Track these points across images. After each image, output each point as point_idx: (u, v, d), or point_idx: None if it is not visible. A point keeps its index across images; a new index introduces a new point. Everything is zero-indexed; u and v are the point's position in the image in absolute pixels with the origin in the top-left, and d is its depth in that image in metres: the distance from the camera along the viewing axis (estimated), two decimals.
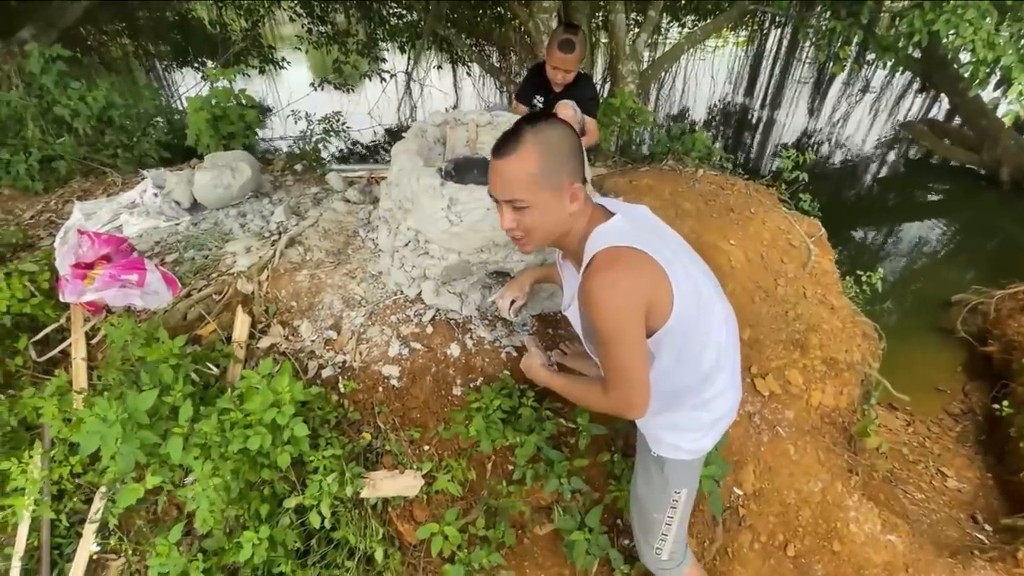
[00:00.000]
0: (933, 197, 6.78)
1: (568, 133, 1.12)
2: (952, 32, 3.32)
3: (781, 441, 1.89)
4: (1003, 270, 4.37)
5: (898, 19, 3.50)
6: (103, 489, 1.80)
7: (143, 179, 2.80)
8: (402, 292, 2.08)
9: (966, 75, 3.47)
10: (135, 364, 1.75)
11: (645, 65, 4.97)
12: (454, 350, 1.89)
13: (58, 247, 2.08)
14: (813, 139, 7.83)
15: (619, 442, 1.74)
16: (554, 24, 4.04)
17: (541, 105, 2.68)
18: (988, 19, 3.16)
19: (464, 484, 1.67)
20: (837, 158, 7.59)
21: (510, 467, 1.73)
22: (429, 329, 1.95)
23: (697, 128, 3.13)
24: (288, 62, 8.53)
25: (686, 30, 6.87)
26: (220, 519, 1.51)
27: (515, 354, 1.89)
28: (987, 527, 2.21)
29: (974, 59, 3.31)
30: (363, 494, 1.65)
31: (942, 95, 7.00)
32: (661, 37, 7.06)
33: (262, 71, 8.00)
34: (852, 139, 7.87)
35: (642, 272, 1.09)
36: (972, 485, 2.56)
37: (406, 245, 1.98)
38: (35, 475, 1.76)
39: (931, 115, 7.72)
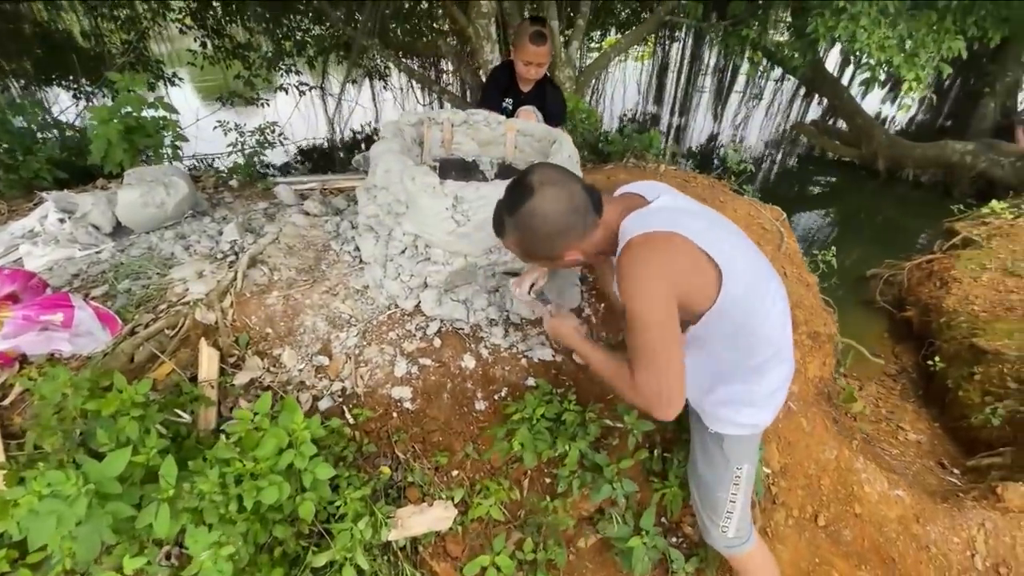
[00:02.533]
0: (824, 188, 7.63)
1: (552, 207, 1.07)
2: (849, 37, 3.74)
3: (794, 415, 1.94)
4: (891, 246, 5.04)
5: (807, 24, 3.87)
6: None
7: (40, 203, 2.33)
8: (396, 305, 1.88)
9: (865, 75, 3.92)
10: (78, 422, 1.40)
11: (577, 72, 5.10)
12: (468, 362, 1.73)
13: None
14: (719, 140, 8.54)
15: (656, 436, 1.67)
16: (493, 30, 4.01)
17: (511, 107, 2.60)
18: (880, 25, 3.60)
19: (506, 505, 1.51)
20: (740, 157, 8.34)
21: (547, 480, 1.60)
22: (437, 342, 1.77)
23: (651, 129, 3.22)
24: (180, 78, 7.75)
25: (609, 39, 7.21)
26: None
27: (536, 359, 1.77)
28: (955, 471, 2.43)
29: (870, 60, 3.76)
30: (391, 536, 1.43)
31: (824, 99, 7.93)
32: (588, 47, 7.34)
33: (152, 88, 7.17)
34: (751, 140, 8.68)
35: (677, 254, 1.06)
36: (927, 436, 2.83)
37: (402, 252, 1.80)
38: None
39: (813, 117, 8.73)
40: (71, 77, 6.72)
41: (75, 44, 7.05)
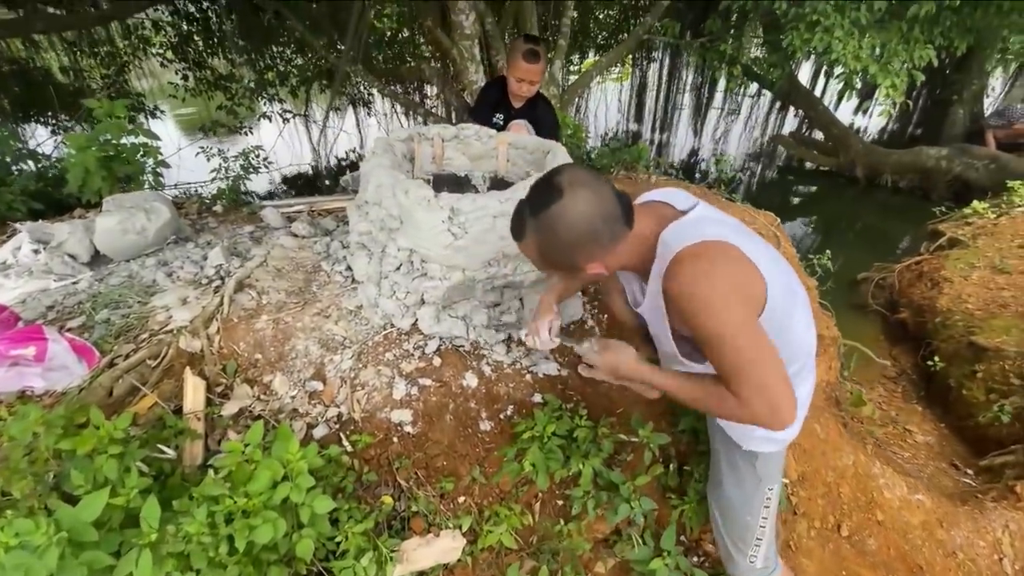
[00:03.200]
0: (805, 197, 7.76)
1: (582, 211, 0.94)
2: (824, 48, 3.84)
3: (807, 421, 1.88)
4: (876, 249, 5.11)
5: (782, 38, 3.97)
6: None
7: (13, 234, 2.22)
8: (392, 325, 1.81)
9: (840, 84, 4.01)
10: (51, 463, 1.28)
11: (561, 90, 5.16)
12: (471, 380, 1.65)
13: None
14: (700, 155, 8.69)
15: (671, 449, 1.60)
16: (476, 51, 4.04)
17: (501, 123, 2.58)
18: (854, 36, 3.70)
19: (517, 531, 1.41)
20: (723, 171, 8.49)
21: (560, 501, 1.51)
22: (436, 361, 1.69)
23: (641, 142, 3.23)
24: (162, 111, 7.70)
25: (589, 59, 7.36)
26: None
27: (541, 375, 1.69)
28: (968, 471, 2.39)
29: (846, 70, 3.85)
30: (396, 572, 1.33)
31: (799, 111, 8.13)
32: (568, 70, 7.47)
33: (132, 120, 7.09)
34: (731, 153, 8.85)
35: (739, 263, 0.97)
36: (935, 436, 2.79)
37: (397, 269, 1.73)
38: None
39: (789, 129, 8.95)
40: (49, 113, 6.64)
41: (53, 80, 6.99)
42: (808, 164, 7.84)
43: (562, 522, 1.45)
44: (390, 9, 6.68)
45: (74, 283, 1.98)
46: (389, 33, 7.00)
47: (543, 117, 2.56)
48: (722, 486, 1.30)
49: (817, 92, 7.91)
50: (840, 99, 3.98)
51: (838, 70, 4.03)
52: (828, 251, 2.84)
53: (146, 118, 7.07)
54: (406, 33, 6.91)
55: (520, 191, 1.63)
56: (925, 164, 6.46)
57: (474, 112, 2.67)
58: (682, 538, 1.58)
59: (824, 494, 1.78)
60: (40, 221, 2.35)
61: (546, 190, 0.97)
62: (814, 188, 7.98)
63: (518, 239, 1.05)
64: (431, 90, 7.03)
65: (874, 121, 9.26)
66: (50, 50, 7.05)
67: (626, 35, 5.69)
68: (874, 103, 6.14)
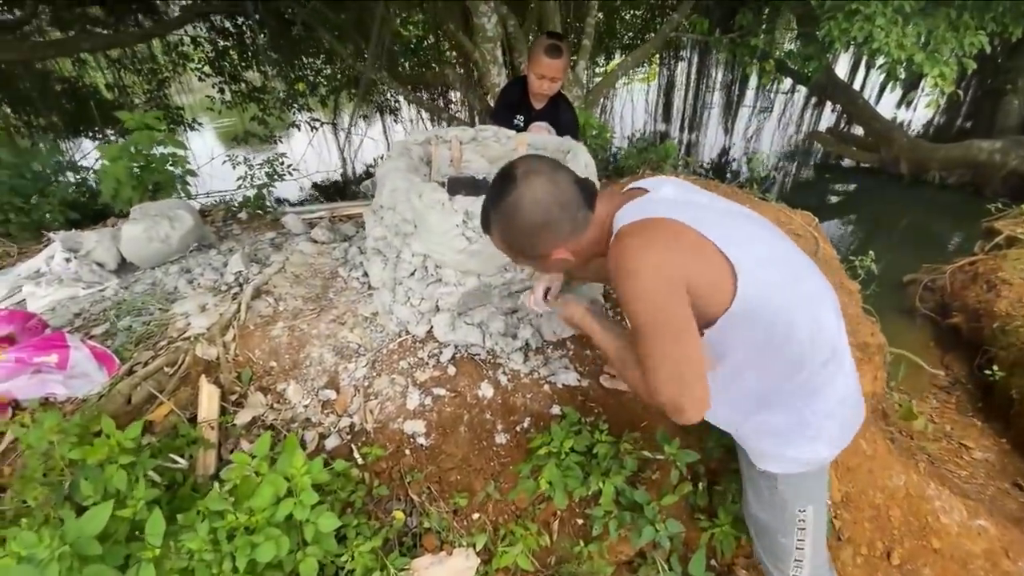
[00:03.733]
0: (844, 195, 7.41)
1: (536, 198, 0.97)
2: (865, 38, 3.63)
3: (853, 437, 1.74)
4: (923, 250, 4.80)
5: (818, 29, 3.78)
6: None
7: (48, 243, 2.29)
8: (407, 331, 1.76)
9: (882, 75, 3.79)
10: (66, 472, 1.28)
11: (585, 91, 5.07)
12: (486, 390, 1.59)
13: None
14: (730, 154, 8.42)
15: (701, 467, 1.49)
16: (499, 53, 4.00)
17: (522, 125, 2.52)
18: (897, 24, 3.49)
19: (534, 553, 1.33)
20: (756, 169, 8.19)
21: (580, 521, 1.43)
22: (451, 370, 1.63)
23: (668, 141, 3.11)
24: (200, 123, 8.00)
25: (616, 60, 7.24)
26: None
27: (560, 385, 1.61)
28: None
29: (888, 60, 3.63)
30: None
31: (837, 106, 7.79)
32: (593, 71, 7.37)
33: (171, 132, 7.37)
34: (764, 152, 8.54)
35: (679, 242, 0.91)
36: (995, 453, 2.56)
37: (411, 275, 1.68)
38: None
39: (822, 126, 8.58)
40: (96, 128, 6.98)
41: (100, 97, 7.35)
42: (847, 161, 7.49)
43: (582, 543, 1.36)
44: (415, 17, 6.75)
45: (101, 291, 2.02)
46: (414, 40, 7.07)
47: (563, 116, 2.48)
48: (749, 506, 1.21)
49: (856, 85, 7.54)
50: (882, 92, 3.75)
51: (880, 61, 3.81)
52: (871, 252, 2.66)
53: (185, 130, 7.37)
54: (431, 40, 6.97)
55: None
56: (977, 158, 6.07)
57: (495, 114, 2.62)
58: (712, 563, 1.47)
59: (872, 517, 1.63)
60: (73, 230, 2.42)
61: (503, 181, 1.00)
62: (853, 186, 7.62)
63: (486, 231, 1.08)
64: (455, 95, 7.05)
65: (919, 114, 8.79)
66: (97, 68, 7.41)
67: (652, 34, 5.55)
68: (919, 95, 5.78)
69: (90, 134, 7.19)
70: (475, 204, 1.53)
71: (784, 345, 0.95)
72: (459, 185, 2.16)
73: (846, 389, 1.06)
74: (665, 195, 1.01)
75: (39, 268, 2.15)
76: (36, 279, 2.06)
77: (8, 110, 6.67)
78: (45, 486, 1.25)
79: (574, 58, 5.04)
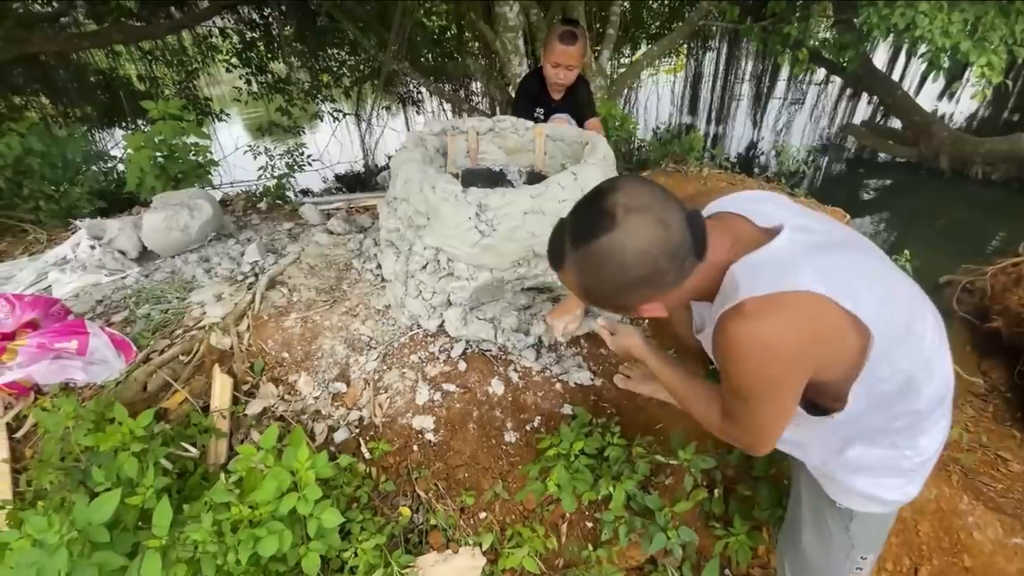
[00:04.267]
0: (878, 191, 7.11)
1: (639, 247, 0.73)
2: (908, 24, 3.44)
3: None
4: (963, 249, 4.56)
5: (856, 16, 3.60)
6: None
7: (75, 231, 2.35)
8: (419, 325, 1.74)
9: (924, 65, 3.59)
10: (81, 458, 1.31)
11: (609, 82, 4.96)
12: (497, 387, 1.56)
13: None
14: (759, 148, 8.17)
15: (717, 474, 1.44)
16: (521, 43, 3.94)
17: (542, 118, 2.46)
18: (943, 10, 3.29)
19: (541, 556, 1.30)
20: (786, 163, 7.93)
21: (589, 524, 1.39)
22: (462, 366, 1.61)
23: (693, 132, 3.01)
24: (227, 114, 8.14)
25: (642, 50, 7.08)
26: None
27: (572, 384, 1.57)
28: None
29: (932, 48, 3.43)
30: None
31: (873, 97, 7.47)
32: (619, 61, 7.22)
33: (200, 123, 7.53)
34: (795, 145, 8.26)
35: (820, 329, 0.76)
36: None
37: (423, 268, 1.66)
38: None
39: (856, 119, 8.24)
40: (129, 119, 7.18)
41: (133, 88, 7.54)
42: (882, 155, 7.18)
43: (591, 547, 1.33)
44: (439, 7, 6.71)
45: (123, 278, 2.05)
46: (437, 31, 7.04)
47: (579, 96, 2.41)
48: (801, 544, 1.06)
49: (895, 76, 7.20)
50: (923, 82, 3.56)
51: (922, 49, 3.61)
52: (907, 251, 2.52)
53: (213, 121, 7.51)
54: (454, 30, 6.92)
55: (553, 187, 1.52)
56: None
57: (514, 108, 2.57)
58: (727, 572, 1.42)
59: (899, 531, 1.55)
60: (99, 218, 2.47)
61: (594, 215, 0.75)
62: (889, 181, 7.30)
63: (556, 268, 0.84)
64: (477, 86, 6.99)
65: (962, 106, 8.36)
66: (130, 60, 7.60)
67: (681, 23, 5.39)
68: (963, 85, 5.49)
69: (123, 124, 7.39)
70: (489, 196, 1.49)
71: (901, 395, 0.84)
72: (475, 177, 2.13)
73: (948, 427, 0.97)
74: (793, 244, 0.80)
75: (65, 255, 2.20)
76: (62, 266, 2.11)
77: (45, 100, 6.90)
78: (60, 471, 1.27)
79: (598, 48, 4.94)
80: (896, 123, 7.21)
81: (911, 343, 0.82)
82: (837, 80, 7.90)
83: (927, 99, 7.77)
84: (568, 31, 2.16)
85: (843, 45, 4.10)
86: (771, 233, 0.82)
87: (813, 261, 0.77)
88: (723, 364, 0.84)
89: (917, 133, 6.57)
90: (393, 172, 1.79)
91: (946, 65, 3.45)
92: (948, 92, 8.01)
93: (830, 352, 0.79)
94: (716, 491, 1.41)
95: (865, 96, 7.90)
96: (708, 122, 8.90)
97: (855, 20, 3.65)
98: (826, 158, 7.94)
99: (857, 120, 8.08)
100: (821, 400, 0.88)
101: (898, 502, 0.96)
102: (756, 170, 7.23)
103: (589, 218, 0.76)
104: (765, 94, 8.53)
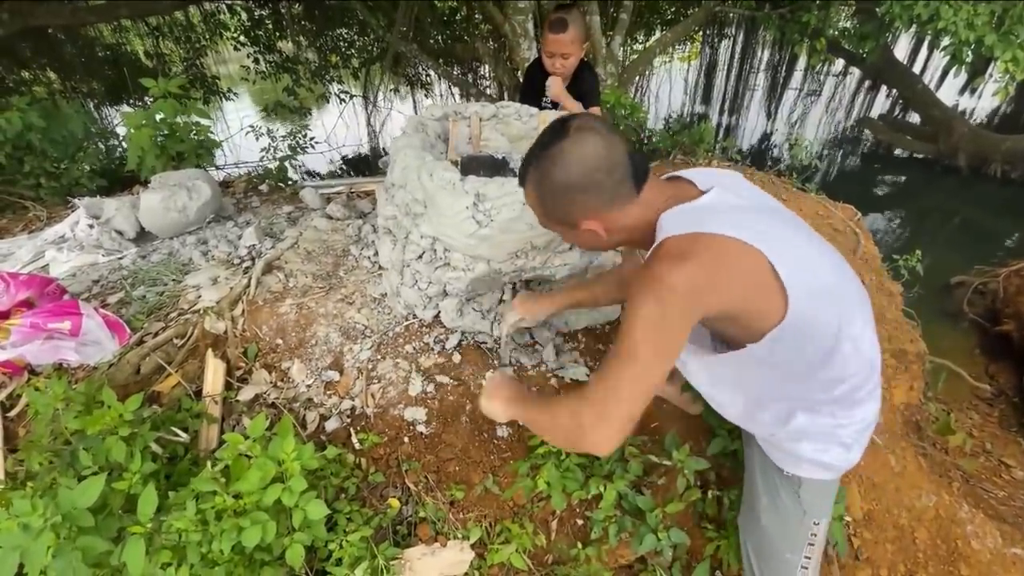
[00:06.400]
0: (893, 187, 6.97)
1: (582, 154, 0.88)
2: (931, 15, 3.32)
3: (879, 451, 1.63)
4: (977, 250, 4.46)
5: (878, 5, 3.48)
6: None
7: (74, 209, 2.33)
8: (414, 315, 1.72)
9: (946, 58, 3.47)
10: (71, 440, 1.30)
11: (620, 69, 4.85)
12: None
13: None
14: (772, 140, 8.01)
15: (711, 475, 1.41)
16: (531, 27, 3.84)
17: (550, 105, 2.40)
18: (967, 2, 3.17)
19: (530, 552, 1.29)
20: (799, 156, 7.76)
21: (580, 521, 1.38)
22: (456, 357, 1.59)
23: (702, 123, 2.93)
24: (235, 93, 8.06)
25: (656, 36, 6.92)
26: None
27: (568, 380, 1.55)
28: None
29: (955, 40, 3.31)
30: None
31: (892, 91, 7.28)
32: (633, 44, 7.06)
33: (207, 101, 7.47)
34: (809, 138, 8.08)
35: (727, 267, 0.84)
36: None
37: (419, 257, 1.63)
38: None
39: (874, 112, 8.04)
40: (136, 96, 7.13)
41: (140, 64, 7.48)
42: (899, 151, 7.02)
43: (580, 545, 1.31)
44: None
45: (119, 259, 2.04)
46: (447, 12, 6.91)
47: (584, 84, 2.34)
48: (757, 514, 1.12)
49: (916, 68, 7.01)
50: (944, 76, 3.44)
51: (945, 42, 3.49)
52: (918, 251, 2.46)
53: (221, 100, 7.45)
54: (464, 12, 6.79)
55: None
56: None
57: (521, 96, 2.51)
58: (717, 573, 1.40)
59: (895, 538, 1.53)
60: (98, 197, 2.46)
61: (553, 131, 0.92)
62: (904, 178, 7.14)
63: (522, 185, 1.00)
64: (486, 70, 6.88)
65: (984, 102, 8.13)
66: (137, 36, 7.53)
67: (696, 8, 5.24)
68: (987, 80, 5.32)
69: (130, 101, 7.34)
70: (487, 185, 1.45)
71: (828, 360, 0.92)
72: (477, 164, 2.08)
73: (878, 406, 1.04)
74: (715, 199, 0.93)
75: (64, 233, 2.19)
76: (60, 244, 2.10)
77: (52, 75, 6.86)
78: (50, 453, 1.27)
79: (610, 33, 4.82)
80: (915, 117, 7.03)
81: (834, 314, 0.90)
82: (855, 71, 7.70)
83: (948, 93, 7.56)
84: (558, 18, 2.07)
85: (863, 35, 3.97)
86: (704, 193, 0.94)
87: (735, 215, 0.90)
88: (628, 300, 0.87)
89: (936, 128, 6.41)
90: (392, 158, 1.75)
91: (969, 59, 3.33)
92: (971, 87, 7.78)
93: (739, 290, 0.85)
94: (710, 492, 1.39)
95: (884, 89, 7.69)
96: (721, 112, 8.73)
97: (877, 10, 3.52)
98: (841, 152, 7.78)
99: (875, 113, 7.89)
100: (734, 334, 0.95)
101: (842, 467, 1.03)
102: (768, 162, 7.11)
103: (548, 135, 0.93)
104: (781, 84, 8.34)
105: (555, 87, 2.22)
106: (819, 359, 0.92)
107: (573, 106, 2.24)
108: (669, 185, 1.00)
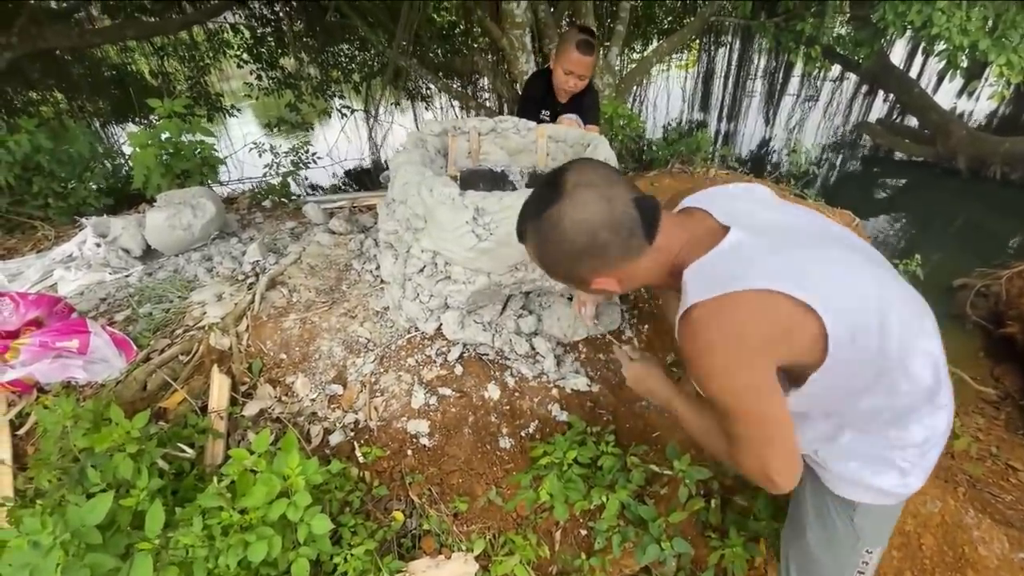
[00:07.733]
0: (892, 191, 6.97)
1: (582, 217, 0.81)
2: (924, 22, 3.36)
3: None
4: (978, 252, 4.46)
5: (872, 12, 3.52)
6: None
7: (81, 228, 2.37)
8: (416, 328, 1.74)
9: (941, 63, 3.51)
10: (79, 457, 1.32)
11: (618, 79, 4.91)
12: (493, 392, 1.55)
13: None
14: (771, 146, 8.04)
15: (714, 484, 1.42)
16: (528, 40, 3.90)
17: (548, 119, 2.44)
18: (961, 7, 3.21)
19: (534, 564, 1.30)
20: (798, 162, 7.79)
21: (583, 532, 1.38)
22: (458, 370, 1.60)
23: (699, 131, 2.96)
24: (239, 110, 8.17)
25: (653, 46, 6.99)
26: None
27: (569, 390, 1.56)
28: None
29: (949, 46, 3.35)
30: None
31: (889, 96, 7.32)
32: (630, 57, 7.14)
33: (211, 119, 7.58)
34: (807, 143, 8.11)
35: (769, 326, 0.77)
36: None
37: (420, 271, 1.65)
38: None
39: (872, 117, 8.07)
40: (141, 115, 7.25)
41: (145, 84, 7.61)
42: (898, 154, 7.04)
43: (583, 556, 1.32)
44: (448, 2, 6.68)
45: (126, 276, 2.07)
46: (445, 27, 7.01)
47: (585, 100, 2.38)
48: (805, 538, 1.04)
49: (912, 73, 7.05)
50: (940, 80, 3.47)
51: (939, 47, 3.52)
52: (917, 256, 2.47)
53: (224, 117, 7.56)
54: (462, 26, 6.89)
55: None
56: None
57: (520, 110, 2.54)
58: None
59: (901, 545, 1.52)
60: (105, 216, 2.50)
61: (547, 190, 0.85)
62: (903, 181, 7.15)
63: (521, 241, 0.94)
64: (486, 83, 6.96)
65: (981, 104, 8.16)
66: (142, 55, 7.66)
67: (692, 18, 5.31)
68: (983, 84, 5.34)
69: (136, 120, 7.45)
70: (486, 200, 1.48)
71: (874, 385, 0.84)
72: (476, 178, 2.11)
73: (948, 419, 0.93)
74: (736, 242, 0.82)
75: (71, 252, 2.23)
76: (68, 263, 2.14)
77: (60, 95, 6.98)
78: (59, 470, 1.29)
79: (607, 43, 4.88)
80: (913, 121, 7.06)
81: (880, 337, 0.80)
82: (852, 77, 7.75)
83: (945, 97, 7.59)
84: (586, 40, 2.13)
85: (858, 42, 4.01)
86: (725, 231, 0.84)
87: (763, 257, 0.80)
88: (691, 373, 0.84)
89: (934, 132, 6.43)
90: (392, 174, 1.78)
91: (964, 64, 3.36)
92: (967, 91, 7.82)
93: (787, 343, 0.78)
94: (713, 501, 1.39)
95: (881, 93, 7.74)
96: (720, 119, 8.78)
97: (871, 16, 3.56)
98: (839, 157, 7.81)
99: (873, 118, 7.92)
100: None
101: (900, 494, 0.94)
102: (768, 168, 7.13)
103: (543, 193, 0.86)
104: (778, 91, 8.39)
105: (571, 126, 2.24)
106: (863, 386, 0.84)
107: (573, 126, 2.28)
108: (684, 221, 0.90)
